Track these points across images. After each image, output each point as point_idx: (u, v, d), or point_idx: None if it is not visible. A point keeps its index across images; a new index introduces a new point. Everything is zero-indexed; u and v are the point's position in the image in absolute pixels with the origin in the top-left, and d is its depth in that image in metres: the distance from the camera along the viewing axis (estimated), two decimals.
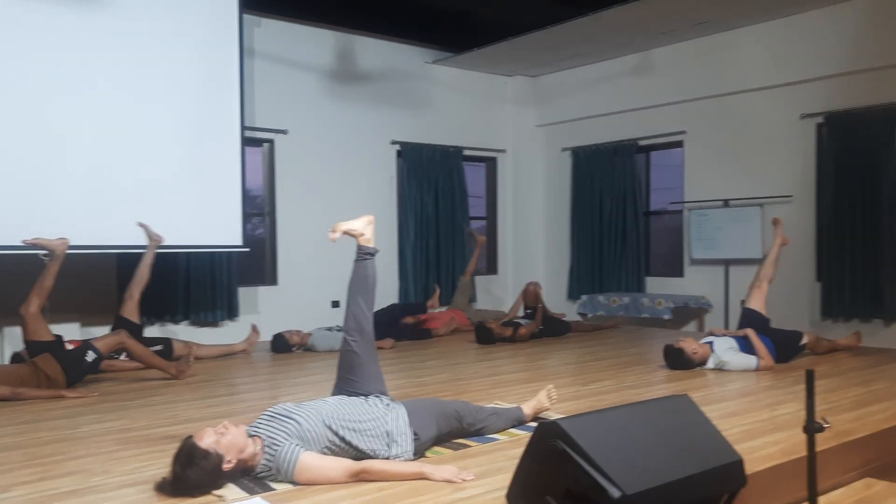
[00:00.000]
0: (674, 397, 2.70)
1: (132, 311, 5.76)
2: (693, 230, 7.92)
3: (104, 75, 6.00)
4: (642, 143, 8.51)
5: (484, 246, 8.94)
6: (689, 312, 8.00)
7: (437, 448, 3.34)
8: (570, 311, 8.67)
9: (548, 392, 3.87)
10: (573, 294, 9.02)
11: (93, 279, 6.40)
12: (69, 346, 5.11)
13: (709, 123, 7.89)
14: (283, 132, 7.68)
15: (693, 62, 7.89)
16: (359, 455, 3.03)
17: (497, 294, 9.39)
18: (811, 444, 2.45)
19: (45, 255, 5.30)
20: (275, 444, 2.89)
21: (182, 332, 6.92)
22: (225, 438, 2.79)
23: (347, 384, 3.39)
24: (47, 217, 5.60)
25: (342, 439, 3.02)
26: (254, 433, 2.94)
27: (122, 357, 5.63)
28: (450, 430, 3.42)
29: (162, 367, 5.31)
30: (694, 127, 8.03)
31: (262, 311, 7.52)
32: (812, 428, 2.44)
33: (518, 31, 7.76)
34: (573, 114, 9.11)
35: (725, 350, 5.38)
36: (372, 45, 8.33)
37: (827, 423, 2.46)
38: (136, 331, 5.62)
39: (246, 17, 6.92)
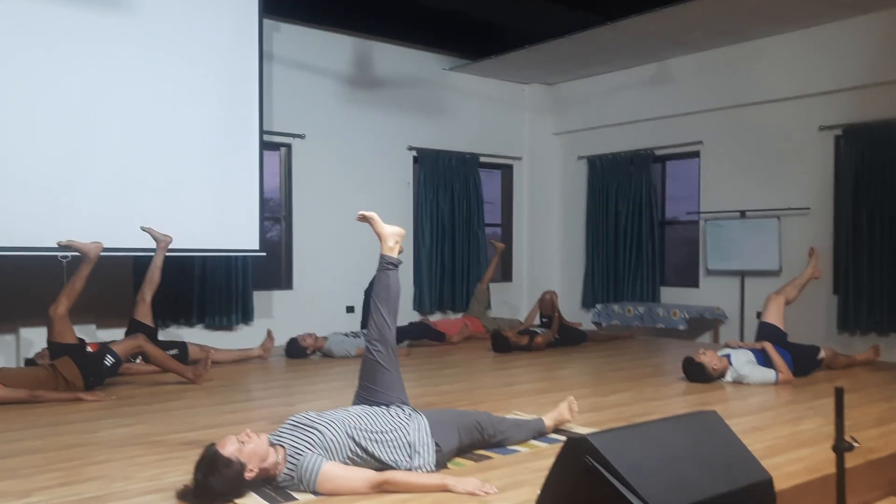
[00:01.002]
0: (702, 413, 2.67)
1: (145, 313, 5.76)
2: (709, 241, 7.87)
3: (126, 80, 6.03)
4: (659, 152, 8.48)
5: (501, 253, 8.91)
6: (704, 323, 7.95)
7: (458, 459, 3.32)
8: (584, 320, 8.63)
9: (569, 404, 3.84)
10: (587, 303, 8.99)
11: (109, 282, 6.40)
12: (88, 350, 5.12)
13: (726, 134, 7.85)
14: (301, 137, 7.69)
15: (711, 72, 7.86)
16: (380, 466, 3.01)
17: (511, 302, 9.37)
18: (840, 463, 2.42)
19: (63, 257, 5.32)
20: (297, 453, 2.88)
21: (196, 336, 6.91)
22: (247, 447, 2.79)
23: (369, 393, 3.39)
24: (67, 220, 5.62)
25: (364, 450, 3.00)
26: (276, 442, 2.94)
27: (138, 361, 5.64)
28: (471, 442, 3.40)
29: (179, 372, 5.31)
30: (711, 137, 8.00)
31: (277, 316, 7.52)
32: (842, 447, 2.41)
33: (536, 40, 7.75)
34: (590, 122, 9.09)
35: (744, 363, 5.33)
36: (390, 52, 8.34)
37: (856, 442, 2.43)
38: (150, 333, 5.61)
39: (266, 21, 6.95)
